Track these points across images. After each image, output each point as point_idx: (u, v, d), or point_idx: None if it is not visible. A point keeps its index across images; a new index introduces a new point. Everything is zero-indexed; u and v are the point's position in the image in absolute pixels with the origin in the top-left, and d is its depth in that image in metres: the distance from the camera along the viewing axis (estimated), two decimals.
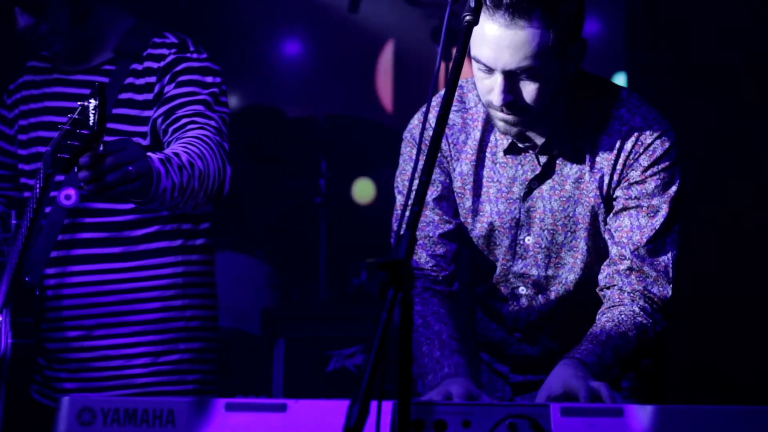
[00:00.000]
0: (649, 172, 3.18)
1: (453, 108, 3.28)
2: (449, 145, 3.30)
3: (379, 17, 7.26)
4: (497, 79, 3.05)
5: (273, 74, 7.53)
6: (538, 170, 3.25)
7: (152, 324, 3.75)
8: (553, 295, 3.34)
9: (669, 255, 3.19)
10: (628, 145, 3.19)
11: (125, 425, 2.64)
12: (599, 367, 2.97)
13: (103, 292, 3.72)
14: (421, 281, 3.27)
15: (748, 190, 5.40)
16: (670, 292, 3.18)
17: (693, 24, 5.53)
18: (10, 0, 3.65)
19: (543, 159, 3.24)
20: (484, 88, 3.10)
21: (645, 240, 3.18)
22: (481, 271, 3.38)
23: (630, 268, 3.18)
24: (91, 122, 2.95)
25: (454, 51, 2.94)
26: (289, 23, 7.53)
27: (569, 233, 3.26)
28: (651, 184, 3.19)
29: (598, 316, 3.17)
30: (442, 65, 5.17)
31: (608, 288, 3.20)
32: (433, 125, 2.59)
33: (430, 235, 3.30)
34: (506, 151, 3.26)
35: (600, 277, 3.23)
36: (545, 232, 3.27)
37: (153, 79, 3.66)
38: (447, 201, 3.32)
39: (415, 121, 3.38)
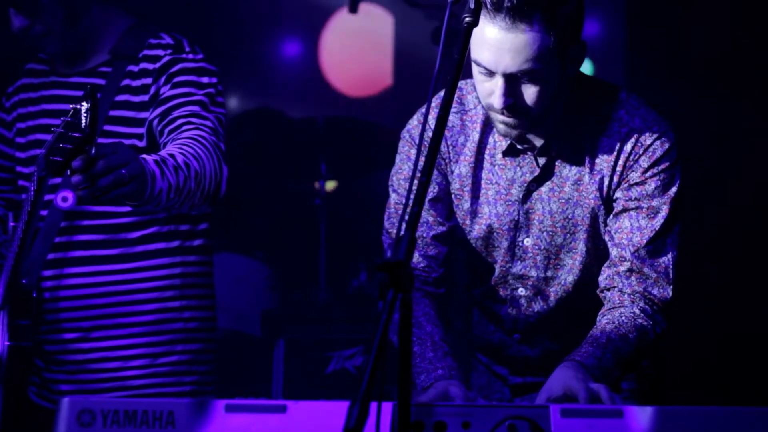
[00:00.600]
0: (649, 173, 3.18)
1: (452, 109, 3.28)
2: (448, 147, 3.30)
3: (379, 17, 7.25)
4: (498, 82, 3.05)
5: (273, 75, 7.53)
6: (537, 172, 3.24)
7: (150, 325, 3.74)
8: (552, 297, 3.34)
9: (669, 256, 3.19)
10: (628, 147, 3.19)
11: (125, 426, 2.64)
12: (599, 369, 2.97)
13: (100, 293, 3.71)
14: None
15: (748, 190, 5.40)
16: (670, 294, 3.18)
17: (693, 24, 5.53)
18: (5, 1, 3.65)
19: (542, 161, 3.24)
20: (484, 90, 3.09)
21: (645, 241, 3.17)
22: (479, 273, 3.38)
23: (630, 270, 3.17)
24: (83, 125, 2.95)
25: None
26: (288, 24, 7.52)
27: (568, 235, 3.26)
28: (651, 185, 3.19)
29: (598, 318, 3.16)
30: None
31: (608, 290, 3.20)
32: (432, 126, 2.59)
33: (424, 236, 3.30)
34: (505, 153, 3.26)
35: (600, 278, 3.23)
36: (544, 233, 3.27)
37: (149, 80, 3.66)
38: (442, 203, 3.32)
39: (415, 120, 3.38)
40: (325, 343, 5.51)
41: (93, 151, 2.95)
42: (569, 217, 3.25)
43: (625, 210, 3.20)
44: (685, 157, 3.25)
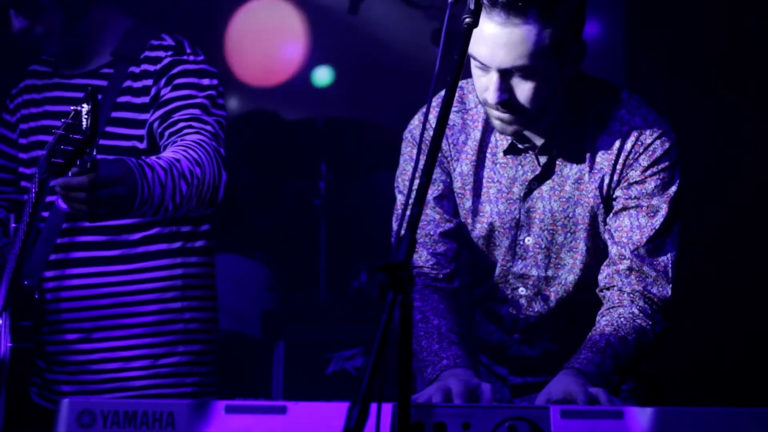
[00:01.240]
0: (648, 172, 3.18)
1: (453, 109, 3.28)
2: (449, 146, 3.31)
3: (379, 19, 7.25)
4: (492, 78, 3.05)
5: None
6: (538, 171, 3.25)
7: (151, 326, 3.74)
8: (552, 296, 3.34)
9: (669, 255, 3.19)
10: (628, 145, 3.19)
11: (125, 427, 2.64)
12: (599, 376, 2.98)
13: (101, 294, 3.71)
14: (421, 279, 3.28)
15: (748, 190, 5.40)
16: (669, 293, 3.18)
17: (693, 24, 5.53)
18: (7, 2, 3.65)
19: (543, 159, 3.24)
20: (480, 85, 3.10)
21: (645, 240, 3.18)
22: (481, 272, 3.38)
23: (630, 268, 3.17)
24: (83, 127, 2.95)
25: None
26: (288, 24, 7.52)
27: (569, 234, 3.27)
28: (651, 184, 3.19)
29: (597, 318, 3.17)
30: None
31: (608, 289, 3.20)
32: (433, 126, 2.59)
33: (431, 233, 3.30)
34: (506, 152, 3.26)
35: (600, 277, 3.23)
36: (545, 232, 3.27)
37: (150, 81, 3.66)
38: (448, 200, 3.32)
39: (416, 121, 3.39)
40: (325, 343, 5.51)
41: (94, 153, 2.96)
42: (570, 215, 3.25)
43: (624, 208, 3.20)
44: (685, 157, 3.25)
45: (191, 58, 3.69)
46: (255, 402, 2.67)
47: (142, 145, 3.65)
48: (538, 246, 3.29)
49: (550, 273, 3.31)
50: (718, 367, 5.33)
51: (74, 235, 3.70)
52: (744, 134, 5.40)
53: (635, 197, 3.19)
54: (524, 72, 3.03)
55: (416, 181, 2.42)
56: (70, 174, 3.03)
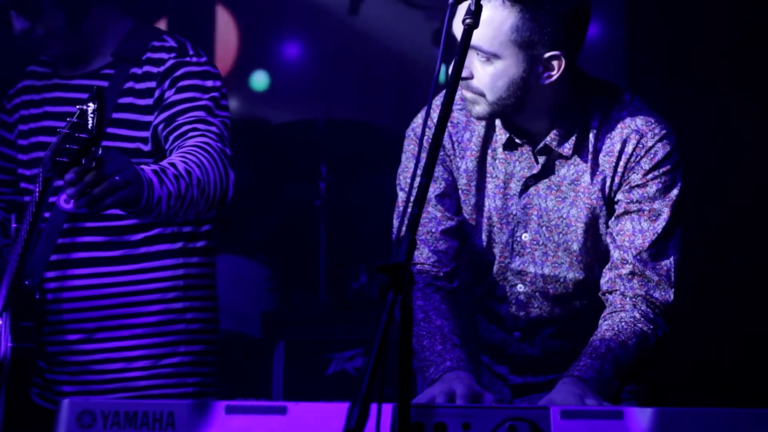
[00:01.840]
0: (650, 176, 3.18)
1: (456, 106, 3.29)
2: (453, 144, 3.31)
3: (379, 19, 7.26)
4: (468, 57, 3.06)
5: (273, 76, 7.53)
6: (536, 168, 3.25)
7: (153, 327, 3.74)
8: (551, 294, 3.34)
9: (671, 259, 3.20)
10: (629, 148, 3.19)
11: (125, 428, 2.64)
12: (598, 382, 2.98)
13: (103, 295, 3.71)
14: (422, 277, 3.28)
15: (749, 191, 5.40)
16: (672, 297, 3.19)
17: (693, 25, 5.53)
18: (7, 3, 3.65)
19: (541, 159, 3.24)
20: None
21: (647, 244, 3.18)
22: (481, 271, 3.38)
23: (632, 273, 3.18)
24: (89, 126, 2.95)
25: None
26: (288, 25, 7.52)
27: (561, 234, 3.27)
28: (652, 188, 3.19)
29: (600, 322, 3.17)
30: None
31: (610, 293, 3.21)
32: (434, 126, 2.59)
33: (433, 231, 3.30)
34: (504, 147, 3.27)
35: (602, 281, 3.23)
36: (543, 228, 3.28)
37: (153, 84, 3.65)
38: (449, 198, 3.32)
39: (419, 119, 3.39)
40: (325, 344, 5.51)
41: (99, 153, 2.96)
42: (563, 216, 3.25)
43: (626, 212, 3.20)
44: (685, 158, 3.25)
45: (194, 59, 3.69)
46: (255, 402, 2.67)
47: (147, 148, 3.64)
48: (535, 242, 3.29)
49: (547, 270, 3.31)
50: (718, 367, 5.32)
51: (76, 236, 3.70)
52: (744, 135, 5.39)
53: (637, 201, 3.19)
54: (484, 56, 3.05)
55: (417, 181, 2.42)
56: (75, 172, 3.01)
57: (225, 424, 2.63)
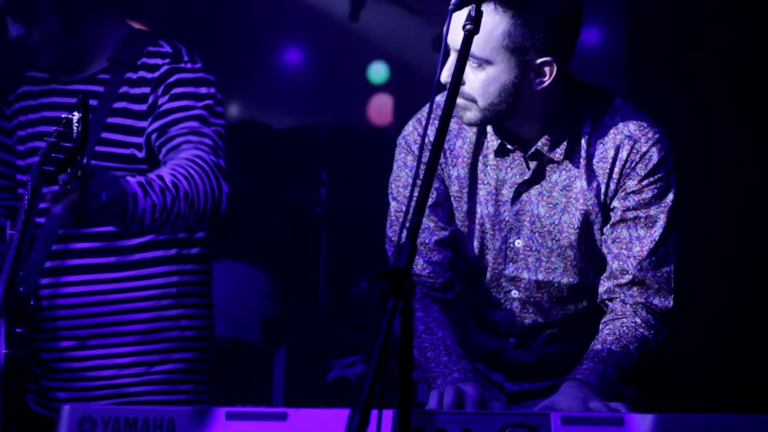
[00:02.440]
0: (645, 182, 3.18)
1: None
2: (445, 151, 3.31)
3: (380, 25, 7.27)
4: (451, 58, 3.06)
5: (273, 83, 7.54)
6: (527, 175, 3.25)
7: (145, 334, 3.73)
8: (545, 300, 3.34)
9: (670, 266, 3.20)
10: (624, 154, 3.19)
11: None
12: (601, 385, 2.99)
13: (97, 302, 3.70)
14: (419, 288, 3.27)
15: (750, 198, 5.41)
16: (671, 303, 3.19)
17: (694, 32, 5.54)
18: (3, 10, 3.65)
19: (533, 164, 3.24)
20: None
21: (646, 252, 3.18)
22: (474, 278, 3.38)
23: (632, 282, 3.18)
24: (74, 135, 2.95)
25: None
26: (289, 31, 7.53)
27: (554, 240, 3.27)
28: (648, 194, 3.19)
29: (600, 327, 3.18)
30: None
31: (610, 300, 3.21)
32: (432, 134, 2.60)
33: (426, 242, 3.30)
34: (495, 153, 3.27)
35: (600, 290, 3.24)
36: (536, 234, 3.27)
37: (147, 89, 3.64)
38: (442, 208, 3.32)
39: (410, 127, 3.38)
40: (326, 350, 5.51)
41: (84, 161, 2.97)
42: (555, 222, 3.25)
43: (623, 220, 3.20)
44: (686, 164, 3.26)
45: (188, 65, 3.67)
46: (255, 409, 2.67)
47: (141, 154, 3.63)
48: (528, 249, 3.29)
49: (541, 276, 3.31)
50: (718, 373, 5.32)
51: (69, 242, 3.70)
52: (745, 141, 5.40)
53: (633, 208, 3.19)
54: (476, 61, 3.05)
55: (415, 189, 2.43)
56: (59, 181, 3.03)
57: (225, 430, 2.63)
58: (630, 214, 3.19)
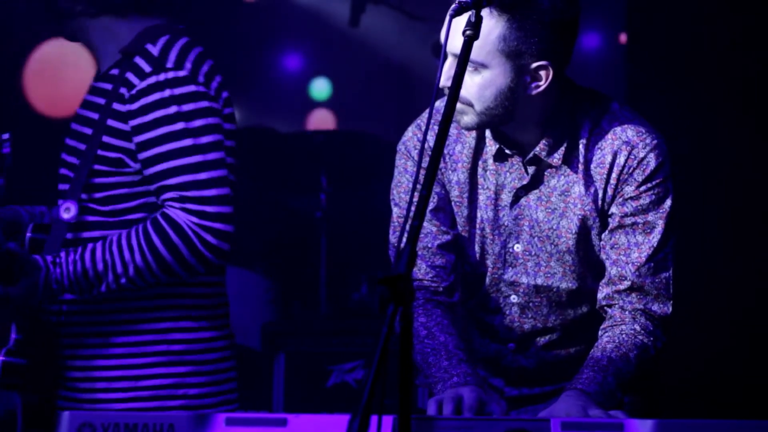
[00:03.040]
0: (643, 188, 3.18)
1: None
2: (444, 156, 3.31)
3: (380, 31, 7.27)
4: (448, 62, 3.06)
5: (273, 88, 7.54)
6: (526, 179, 3.25)
7: (133, 347, 3.62)
8: (545, 305, 3.34)
9: (669, 272, 3.20)
10: (621, 159, 3.19)
11: None
12: (602, 395, 2.99)
13: (87, 311, 3.65)
14: (422, 293, 3.27)
15: (751, 201, 5.41)
16: (670, 309, 3.19)
17: (695, 36, 5.54)
18: None
19: (531, 169, 3.24)
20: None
21: (644, 258, 3.18)
22: (474, 283, 3.38)
23: (631, 288, 3.18)
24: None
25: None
26: (289, 37, 7.54)
27: (553, 245, 3.27)
28: (646, 200, 3.19)
29: (599, 334, 3.18)
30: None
31: (609, 306, 3.21)
32: (431, 139, 2.60)
33: (429, 246, 3.30)
34: (494, 158, 3.27)
35: (599, 296, 3.24)
36: (535, 239, 3.27)
37: (128, 94, 3.54)
38: (444, 212, 3.32)
39: (410, 133, 3.38)
40: (326, 356, 5.50)
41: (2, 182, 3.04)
42: (554, 227, 3.25)
43: (621, 226, 3.20)
44: (687, 169, 3.26)
45: (171, 76, 3.48)
46: (255, 414, 2.67)
47: (129, 161, 3.55)
48: (527, 253, 3.29)
49: (540, 281, 3.31)
50: (718, 378, 5.32)
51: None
52: (745, 144, 5.40)
53: (631, 214, 3.19)
54: (472, 65, 3.05)
55: (415, 194, 2.43)
56: None
57: None
58: (628, 220, 3.20)
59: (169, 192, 3.46)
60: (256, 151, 6.40)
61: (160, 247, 3.46)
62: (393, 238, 3.37)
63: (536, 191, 3.25)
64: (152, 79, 3.51)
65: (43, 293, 3.45)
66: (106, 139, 3.56)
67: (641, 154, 3.18)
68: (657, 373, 3.45)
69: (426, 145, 3.21)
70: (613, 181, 3.20)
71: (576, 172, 3.22)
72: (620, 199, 3.20)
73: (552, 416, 2.84)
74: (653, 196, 3.19)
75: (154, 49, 3.55)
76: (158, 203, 3.50)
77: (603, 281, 3.23)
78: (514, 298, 3.34)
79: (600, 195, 3.21)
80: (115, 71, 3.59)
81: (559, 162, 3.21)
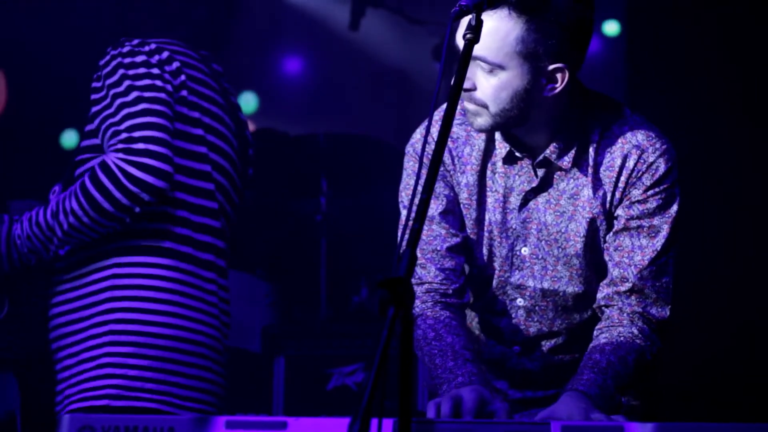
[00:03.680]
0: (651, 192, 3.19)
1: (456, 121, 3.29)
2: (453, 159, 3.31)
3: (380, 35, 7.28)
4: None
5: (273, 92, 7.54)
6: (535, 182, 3.25)
7: (83, 350, 3.62)
8: (551, 309, 3.34)
9: (670, 276, 3.21)
10: (631, 163, 3.19)
11: None
12: (602, 398, 2.99)
13: (55, 314, 3.66)
14: (431, 295, 3.28)
15: (752, 203, 5.41)
16: (668, 313, 3.20)
17: (695, 39, 5.55)
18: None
19: (540, 172, 3.25)
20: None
21: (647, 262, 3.18)
22: (481, 285, 3.38)
23: (631, 290, 3.18)
24: None
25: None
26: (289, 40, 7.54)
27: (561, 248, 3.27)
28: (652, 204, 3.19)
29: (595, 333, 3.18)
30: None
31: (607, 307, 3.21)
32: (434, 141, 2.59)
33: (438, 249, 3.30)
34: (504, 161, 3.27)
35: (599, 296, 3.24)
36: (542, 242, 3.28)
37: (98, 84, 3.68)
38: (453, 214, 3.32)
39: (418, 134, 3.39)
40: (326, 359, 5.51)
41: None
42: (562, 230, 3.25)
43: (625, 228, 3.21)
44: (688, 171, 3.26)
45: (127, 60, 3.67)
46: (255, 417, 2.67)
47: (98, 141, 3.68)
48: (534, 256, 3.29)
49: (546, 284, 3.31)
50: (718, 381, 5.32)
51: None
52: (746, 146, 5.41)
53: (637, 217, 3.20)
54: (487, 66, 3.05)
55: (417, 197, 2.43)
56: None
57: None
58: (633, 223, 3.20)
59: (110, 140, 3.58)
60: (257, 155, 6.41)
61: (89, 187, 3.50)
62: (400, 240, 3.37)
63: (545, 194, 3.25)
64: (114, 52, 3.69)
65: (7, 249, 3.50)
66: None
67: (651, 159, 3.19)
68: (654, 377, 3.45)
69: (428, 149, 3.21)
70: (621, 184, 3.20)
71: (585, 175, 3.22)
72: (627, 202, 3.20)
73: (553, 418, 2.84)
74: (660, 201, 3.19)
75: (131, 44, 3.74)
76: None
77: (604, 282, 3.23)
78: (520, 302, 3.34)
79: (608, 198, 3.21)
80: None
81: (569, 165, 3.21)
